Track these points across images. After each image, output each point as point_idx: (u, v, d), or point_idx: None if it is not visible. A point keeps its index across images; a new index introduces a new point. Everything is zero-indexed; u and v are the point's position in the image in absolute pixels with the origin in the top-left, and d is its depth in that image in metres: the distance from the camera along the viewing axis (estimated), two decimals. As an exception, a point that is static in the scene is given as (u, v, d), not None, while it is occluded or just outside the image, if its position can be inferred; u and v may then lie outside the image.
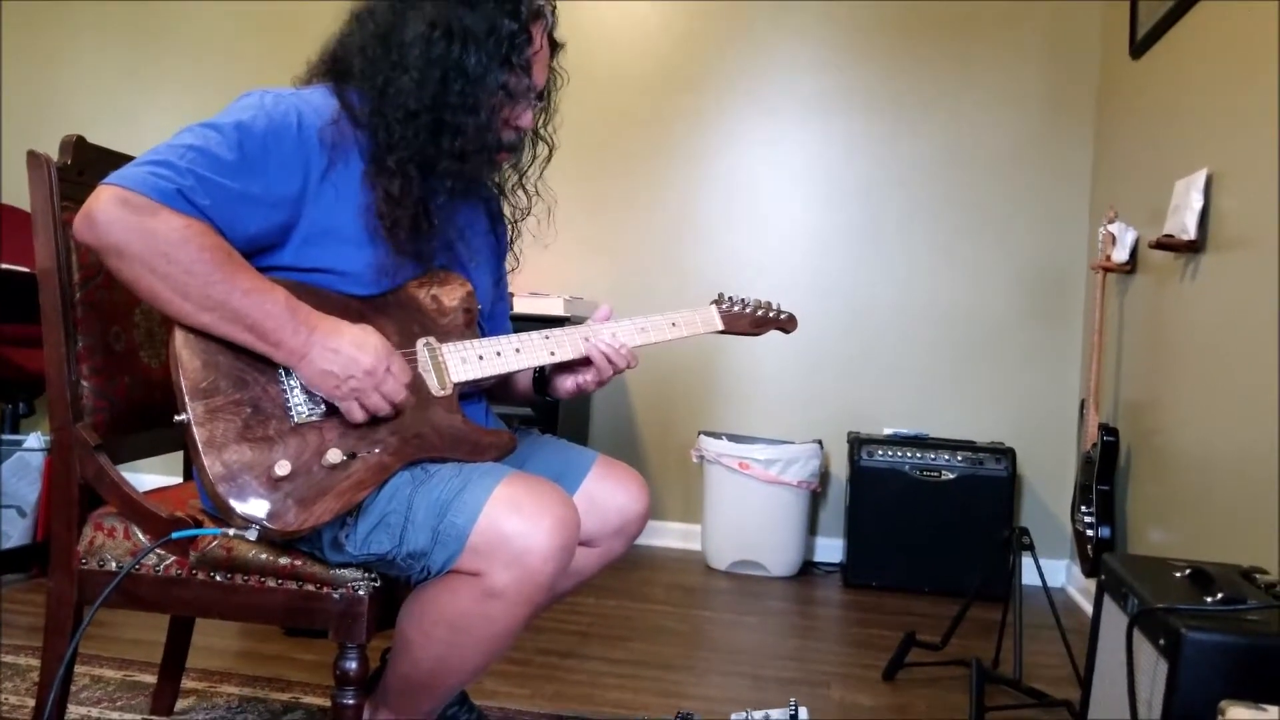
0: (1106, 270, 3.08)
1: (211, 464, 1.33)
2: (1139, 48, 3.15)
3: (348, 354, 1.38)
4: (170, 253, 1.29)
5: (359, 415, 1.41)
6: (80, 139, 1.60)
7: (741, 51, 3.93)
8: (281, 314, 1.35)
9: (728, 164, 3.95)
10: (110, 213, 1.28)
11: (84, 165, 1.59)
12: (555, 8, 1.62)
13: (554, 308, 3.41)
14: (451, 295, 1.60)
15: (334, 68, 1.56)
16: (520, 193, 1.75)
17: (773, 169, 3.92)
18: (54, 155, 1.56)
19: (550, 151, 1.73)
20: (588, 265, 4.01)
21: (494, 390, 1.82)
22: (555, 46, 1.65)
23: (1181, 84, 2.83)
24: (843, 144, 3.88)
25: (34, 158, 1.53)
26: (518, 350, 1.62)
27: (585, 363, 1.70)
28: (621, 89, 3.99)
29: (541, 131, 1.70)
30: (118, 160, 1.58)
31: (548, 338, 1.66)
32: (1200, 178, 2.54)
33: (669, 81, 3.98)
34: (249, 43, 4.24)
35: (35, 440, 3.17)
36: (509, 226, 1.81)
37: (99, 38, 4.37)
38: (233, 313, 1.33)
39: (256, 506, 1.33)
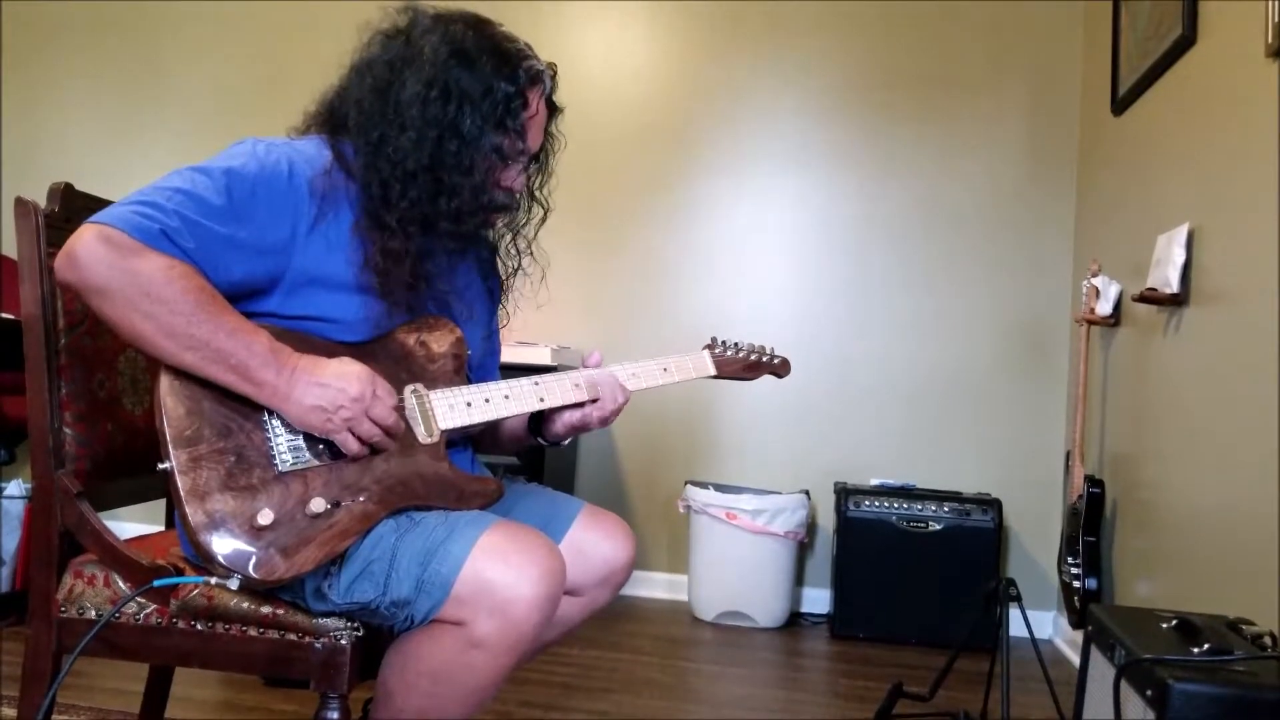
0: (1090, 323, 3.11)
1: (194, 513, 1.31)
2: (1120, 104, 3.20)
3: (333, 385, 1.37)
4: (154, 292, 1.28)
5: (354, 446, 1.40)
6: (68, 186, 1.59)
7: (725, 106, 3.98)
8: (265, 353, 1.35)
9: (713, 217, 3.98)
10: (93, 252, 1.26)
11: (71, 213, 1.58)
12: (555, 73, 1.63)
13: (541, 357, 3.41)
14: (440, 341, 1.59)
15: (330, 119, 1.57)
16: (514, 251, 1.75)
17: (757, 222, 3.95)
18: (42, 202, 1.56)
19: (545, 213, 1.74)
20: (574, 316, 4.02)
21: (482, 438, 1.81)
22: (554, 110, 1.66)
23: (1162, 140, 2.87)
24: (827, 197, 3.91)
25: (21, 204, 1.51)
26: (506, 397, 1.61)
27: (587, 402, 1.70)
28: (606, 142, 4.02)
29: (537, 193, 1.71)
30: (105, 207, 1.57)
31: (537, 384, 1.65)
32: (1182, 232, 2.57)
33: (654, 135, 4.02)
34: (241, 94, 4.27)
35: (16, 487, 3.14)
36: (501, 282, 1.81)
37: (90, 86, 4.40)
38: (216, 352, 1.32)
39: (239, 555, 1.32)
